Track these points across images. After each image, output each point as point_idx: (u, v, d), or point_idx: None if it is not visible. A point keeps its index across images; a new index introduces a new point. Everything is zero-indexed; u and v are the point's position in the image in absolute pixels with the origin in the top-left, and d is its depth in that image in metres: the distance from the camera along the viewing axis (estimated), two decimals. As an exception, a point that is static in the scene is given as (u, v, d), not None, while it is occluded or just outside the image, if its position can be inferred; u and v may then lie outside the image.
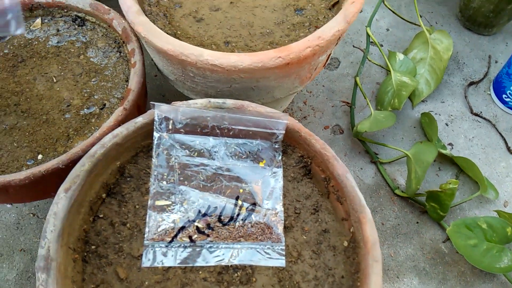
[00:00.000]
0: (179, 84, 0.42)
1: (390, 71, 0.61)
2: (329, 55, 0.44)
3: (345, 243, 0.33)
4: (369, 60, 0.63)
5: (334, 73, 0.65)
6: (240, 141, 0.35)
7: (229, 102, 0.35)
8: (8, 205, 0.51)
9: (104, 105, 0.40)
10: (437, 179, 0.57)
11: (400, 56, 0.64)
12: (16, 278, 0.47)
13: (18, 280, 0.46)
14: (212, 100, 0.35)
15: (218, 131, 0.35)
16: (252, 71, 0.36)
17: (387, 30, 0.72)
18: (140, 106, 0.41)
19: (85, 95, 0.41)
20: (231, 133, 0.35)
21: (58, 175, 0.33)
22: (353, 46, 0.66)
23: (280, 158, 0.35)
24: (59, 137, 0.38)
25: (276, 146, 0.35)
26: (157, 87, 0.63)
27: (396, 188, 0.55)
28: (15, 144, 0.38)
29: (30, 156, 0.37)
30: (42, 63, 0.43)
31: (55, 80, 0.42)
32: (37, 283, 0.26)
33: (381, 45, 0.69)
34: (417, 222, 0.54)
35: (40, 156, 0.37)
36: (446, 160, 0.58)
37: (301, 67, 0.39)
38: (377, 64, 0.64)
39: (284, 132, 0.35)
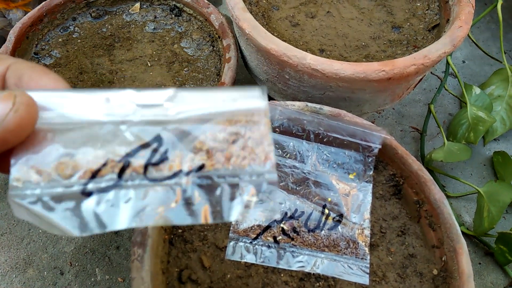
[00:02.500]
0: (268, 85, 0.43)
1: (466, 103, 0.59)
2: (422, 77, 0.43)
3: (435, 272, 0.31)
4: (445, 89, 0.61)
5: (406, 97, 0.64)
6: (333, 149, 0.35)
7: (326, 108, 0.35)
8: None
9: (196, 94, 0.41)
10: (504, 221, 0.54)
11: (477, 90, 0.62)
12: (73, 251, 0.47)
13: (74, 254, 0.47)
14: (310, 104, 0.35)
15: (312, 136, 0.34)
16: (352, 81, 0.36)
17: (463, 62, 0.70)
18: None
19: (177, 82, 0.42)
20: (325, 140, 0.34)
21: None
22: (431, 73, 0.65)
23: (371, 173, 0.34)
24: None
25: (369, 160, 0.34)
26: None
27: (461, 225, 0.52)
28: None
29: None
30: (138, 46, 0.45)
31: (149, 65, 0.43)
32: (132, 257, 0.27)
33: (456, 77, 0.67)
34: (479, 263, 0.51)
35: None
36: (516, 204, 0.56)
37: (399, 84, 0.38)
38: (453, 95, 0.62)
39: (380, 147, 0.34)
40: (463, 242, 0.30)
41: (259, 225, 0.32)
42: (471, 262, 0.51)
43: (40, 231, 0.48)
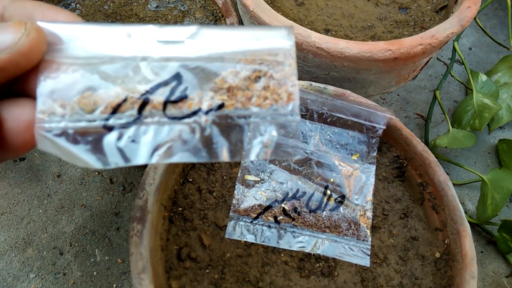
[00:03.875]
0: (272, 65, 0.42)
1: (472, 90, 0.58)
2: (429, 59, 0.42)
3: (437, 254, 0.31)
4: (452, 76, 0.60)
5: (411, 84, 0.63)
6: (336, 130, 0.34)
7: (330, 88, 0.34)
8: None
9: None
10: (507, 210, 0.54)
11: (483, 77, 0.61)
12: (73, 232, 0.47)
13: (74, 234, 0.47)
14: (314, 83, 0.34)
15: (315, 115, 0.34)
16: (357, 60, 0.35)
17: (470, 49, 0.69)
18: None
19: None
20: (328, 120, 0.34)
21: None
22: (437, 58, 0.64)
23: (375, 154, 0.34)
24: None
25: (373, 141, 0.34)
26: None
27: (464, 213, 0.52)
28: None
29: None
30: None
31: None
32: (131, 233, 0.26)
33: (462, 64, 0.66)
34: (482, 252, 0.51)
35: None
36: (519, 193, 0.55)
37: (405, 64, 0.37)
38: (459, 81, 0.61)
39: (384, 127, 0.33)
40: (466, 224, 0.29)
41: (260, 205, 0.31)
42: (472, 250, 0.51)
43: (40, 211, 0.48)
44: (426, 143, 0.55)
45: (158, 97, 0.17)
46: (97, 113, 0.17)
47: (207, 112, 0.17)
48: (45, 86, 0.17)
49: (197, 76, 0.17)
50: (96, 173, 0.51)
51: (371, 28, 0.41)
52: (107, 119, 0.17)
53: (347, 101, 0.33)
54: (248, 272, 0.29)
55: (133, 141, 0.17)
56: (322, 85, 0.34)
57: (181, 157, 0.17)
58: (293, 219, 0.31)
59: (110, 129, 0.17)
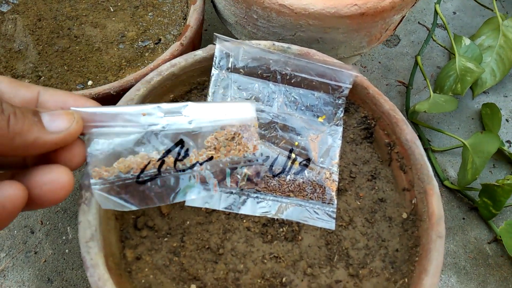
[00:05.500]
0: (238, 29, 0.40)
1: (454, 54, 0.56)
2: (402, 18, 0.40)
3: (404, 215, 0.30)
4: (434, 40, 0.59)
5: (393, 50, 0.61)
6: (302, 91, 0.32)
7: (294, 47, 0.32)
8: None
9: (159, 40, 0.38)
10: (490, 176, 0.53)
11: (466, 41, 0.59)
12: (44, 210, 0.46)
13: (46, 212, 0.46)
14: (277, 43, 0.32)
15: (279, 77, 0.32)
16: (323, 17, 0.33)
17: (454, 13, 0.67)
18: (196, 46, 0.39)
19: (141, 28, 0.39)
20: (292, 81, 0.32)
21: (108, 102, 0.32)
22: (419, 23, 0.62)
23: (341, 115, 0.32)
24: (110, 67, 0.37)
25: (339, 102, 0.32)
26: (206, 41, 0.60)
27: (446, 180, 0.51)
28: (65, 67, 0.36)
29: (80, 81, 0.36)
30: (99, -9, 0.42)
31: (112, 10, 0.40)
32: (79, 201, 0.25)
33: (445, 29, 0.64)
34: (463, 218, 0.50)
35: (90, 82, 0.35)
36: (503, 158, 0.54)
37: (374, 22, 0.35)
38: (441, 45, 0.59)
39: (350, 86, 0.32)
40: (434, 183, 0.28)
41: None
42: (454, 218, 0.50)
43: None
44: (407, 109, 0.54)
45: (170, 158, 0.25)
46: (131, 173, 0.24)
47: (201, 163, 0.26)
48: (92, 157, 0.23)
49: (193, 140, 0.26)
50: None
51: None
52: (138, 177, 0.25)
53: (311, 61, 0.32)
54: (209, 239, 0.28)
55: (158, 189, 0.25)
56: (286, 45, 0.32)
57: (189, 195, 0.26)
58: (256, 184, 0.30)
59: (141, 183, 0.25)
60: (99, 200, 0.23)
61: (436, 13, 0.58)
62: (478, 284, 0.46)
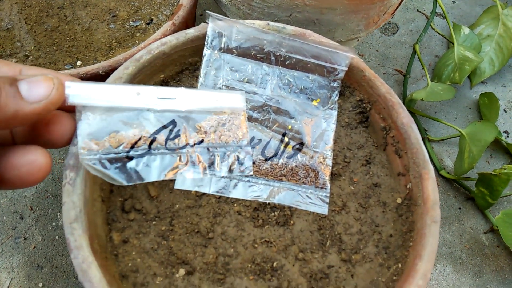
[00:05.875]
0: (232, 10, 0.39)
1: (453, 43, 0.55)
2: (401, 1, 0.39)
3: (398, 200, 0.29)
4: (433, 29, 0.58)
5: (391, 38, 0.60)
6: (296, 73, 0.32)
7: (289, 28, 0.32)
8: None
9: (151, 20, 0.37)
10: (487, 166, 0.52)
11: (465, 30, 0.58)
12: (34, 195, 0.45)
13: (35, 198, 0.45)
14: (272, 23, 0.31)
15: (273, 58, 0.31)
16: (319, -2, 0.32)
17: (453, 2, 0.66)
18: (189, 27, 0.37)
19: (132, 8, 0.38)
20: (287, 63, 0.31)
21: (96, 82, 0.31)
22: (418, 10, 0.61)
23: (336, 99, 0.32)
24: (100, 46, 0.36)
25: (334, 85, 0.31)
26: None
27: (442, 169, 0.50)
28: (54, 47, 0.35)
29: (69, 61, 0.35)
30: (90, -30, 0.41)
31: (102, -11, 0.39)
32: (64, 181, 0.24)
33: (444, 18, 0.63)
34: (459, 208, 0.49)
35: (79, 63, 0.34)
36: (500, 148, 0.53)
37: (372, 3, 0.34)
38: (441, 34, 0.58)
39: (346, 69, 0.31)
40: (430, 168, 0.27)
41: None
42: (450, 207, 0.50)
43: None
44: (404, 98, 0.53)
45: (161, 136, 0.26)
46: (121, 147, 0.24)
47: (192, 145, 0.27)
48: (82, 129, 0.23)
49: (185, 122, 0.27)
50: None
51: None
52: (128, 152, 0.25)
53: (307, 41, 0.31)
54: (199, 223, 0.28)
55: (146, 166, 0.25)
56: (281, 25, 0.31)
57: (178, 175, 0.26)
58: (242, 171, 0.29)
59: (130, 158, 0.25)
60: (89, 169, 0.23)
61: (435, 1, 0.57)
62: (474, 274, 0.45)
